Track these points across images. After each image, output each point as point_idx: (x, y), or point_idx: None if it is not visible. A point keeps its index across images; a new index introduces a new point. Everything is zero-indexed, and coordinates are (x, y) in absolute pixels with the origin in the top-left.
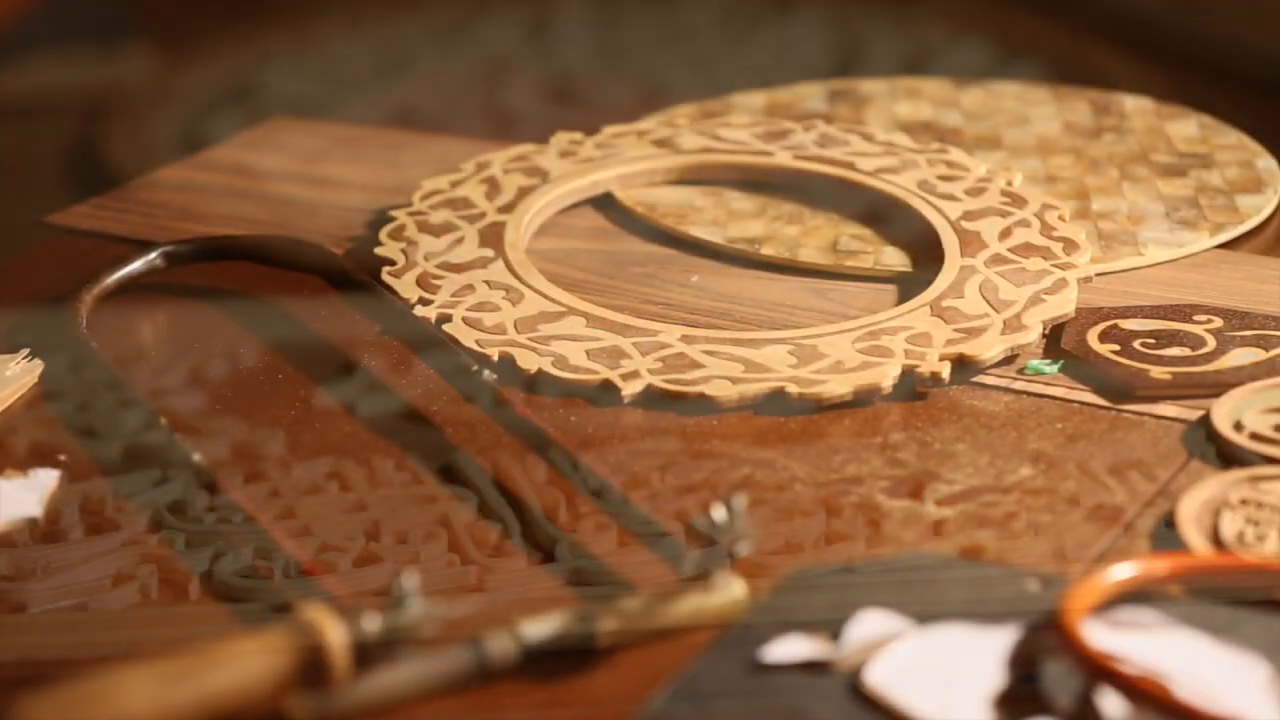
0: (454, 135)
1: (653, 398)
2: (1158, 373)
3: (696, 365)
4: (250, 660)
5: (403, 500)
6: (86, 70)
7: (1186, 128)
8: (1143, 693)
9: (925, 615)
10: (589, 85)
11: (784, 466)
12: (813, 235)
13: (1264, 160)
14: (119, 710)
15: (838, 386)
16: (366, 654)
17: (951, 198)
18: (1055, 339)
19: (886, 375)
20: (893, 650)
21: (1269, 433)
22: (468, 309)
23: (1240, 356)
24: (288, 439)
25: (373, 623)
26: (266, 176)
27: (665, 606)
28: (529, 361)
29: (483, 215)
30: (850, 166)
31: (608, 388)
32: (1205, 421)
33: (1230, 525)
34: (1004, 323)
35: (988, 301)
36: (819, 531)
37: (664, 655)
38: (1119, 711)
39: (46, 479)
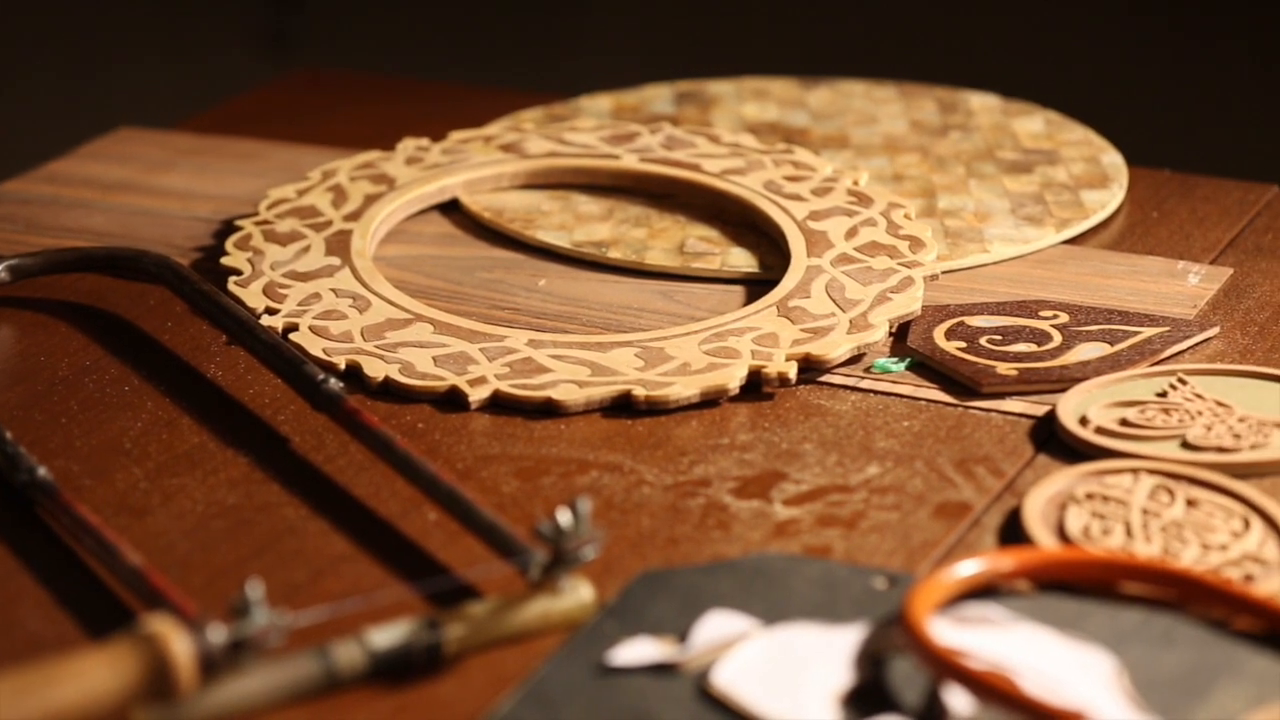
0: (300, 144)
1: (500, 403)
2: (1004, 369)
3: (544, 370)
4: (95, 674)
5: (249, 509)
6: None
7: (1032, 124)
8: (989, 687)
9: (772, 615)
10: None
11: (631, 469)
12: (660, 238)
13: (1109, 155)
14: None
15: (685, 389)
16: (213, 665)
17: (798, 198)
18: (902, 337)
19: (733, 376)
20: (740, 651)
21: (1114, 427)
22: (314, 317)
23: (1086, 351)
24: (135, 450)
25: (218, 634)
26: (112, 188)
27: (512, 612)
28: (376, 369)
29: (329, 223)
30: (696, 168)
31: (455, 394)
32: (1051, 417)
33: (1076, 520)
34: (850, 322)
35: (834, 301)
36: (666, 533)
37: (512, 660)
38: (966, 707)
39: None
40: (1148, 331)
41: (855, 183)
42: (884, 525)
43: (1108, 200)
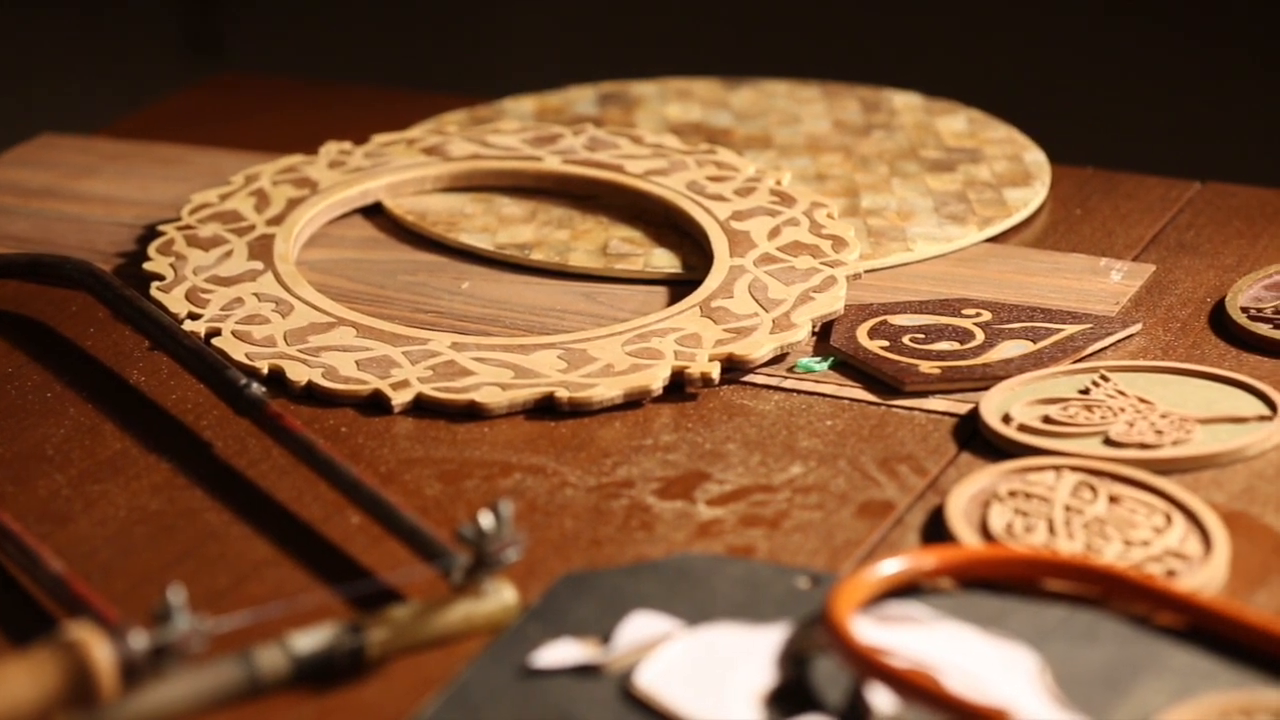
0: (223, 148)
1: (423, 406)
2: (927, 367)
3: (467, 372)
4: (16, 682)
5: (172, 515)
6: None
7: (955, 123)
8: (912, 686)
9: (696, 616)
10: None
11: (555, 471)
12: (583, 239)
13: (1032, 153)
14: None
15: (608, 390)
16: (134, 671)
17: (720, 198)
18: (825, 336)
19: (656, 377)
20: (663, 652)
21: (1037, 424)
22: (237, 322)
23: (1008, 349)
24: (57, 457)
25: (140, 640)
26: (34, 193)
27: (435, 615)
28: (299, 373)
29: (252, 228)
30: (619, 170)
31: (378, 397)
32: (974, 415)
33: (999, 517)
34: (773, 321)
35: (757, 301)
36: (589, 535)
37: (435, 664)
38: (889, 705)
39: None
40: (1070, 329)
41: (778, 183)
42: (807, 524)
43: (1030, 198)
